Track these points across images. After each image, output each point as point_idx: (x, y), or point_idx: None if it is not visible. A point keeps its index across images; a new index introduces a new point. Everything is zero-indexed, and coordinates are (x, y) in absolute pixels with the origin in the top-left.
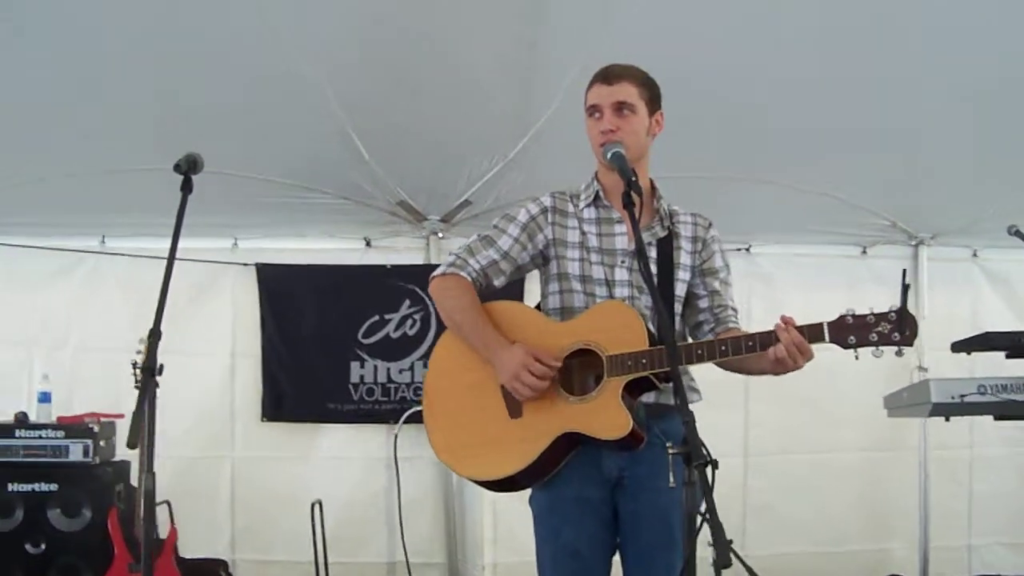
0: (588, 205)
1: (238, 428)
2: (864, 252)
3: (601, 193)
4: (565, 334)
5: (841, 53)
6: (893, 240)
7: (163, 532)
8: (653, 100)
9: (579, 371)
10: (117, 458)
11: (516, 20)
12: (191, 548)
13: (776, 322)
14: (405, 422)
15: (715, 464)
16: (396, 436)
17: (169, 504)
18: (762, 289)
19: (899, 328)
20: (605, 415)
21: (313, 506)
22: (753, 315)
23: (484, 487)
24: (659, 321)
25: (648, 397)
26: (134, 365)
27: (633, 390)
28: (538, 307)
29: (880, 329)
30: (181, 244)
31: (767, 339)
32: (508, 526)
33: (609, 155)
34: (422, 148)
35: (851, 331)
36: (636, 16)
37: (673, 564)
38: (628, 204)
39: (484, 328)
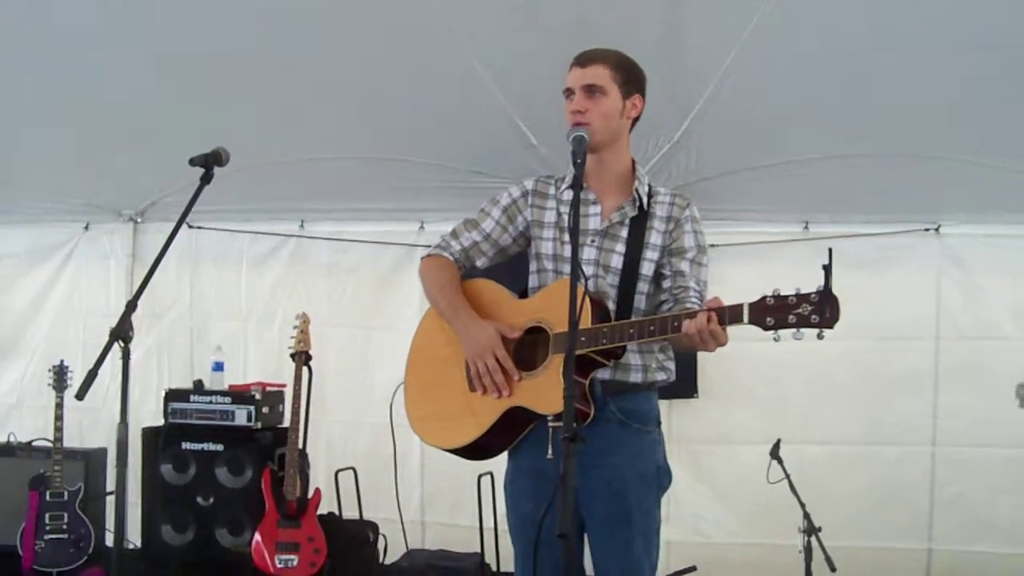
0: (568, 187)
1: None
2: None
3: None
4: (522, 312)
5: None
6: None
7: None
8: (629, 83)
9: (541, 348)
10: (284, 424)
11: (660, 4)
12: (379, 510)
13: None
14: None
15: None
16: None
17: (354, 470)
18: (956, 273)
19: (819, 311)
20: (545, 391)
21: (480, 478)
22: (943, 301)
23: (456, 455)
24: (586, 296)
25: (604, 373)
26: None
27: (582, 367)
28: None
29: (800, 311)
30: (374, 227)
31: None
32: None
33: (569, 138)
34: None
35: (770, 312)
36: None
37: (631, 538)
38: (573, 185)
39: (458, 304)
